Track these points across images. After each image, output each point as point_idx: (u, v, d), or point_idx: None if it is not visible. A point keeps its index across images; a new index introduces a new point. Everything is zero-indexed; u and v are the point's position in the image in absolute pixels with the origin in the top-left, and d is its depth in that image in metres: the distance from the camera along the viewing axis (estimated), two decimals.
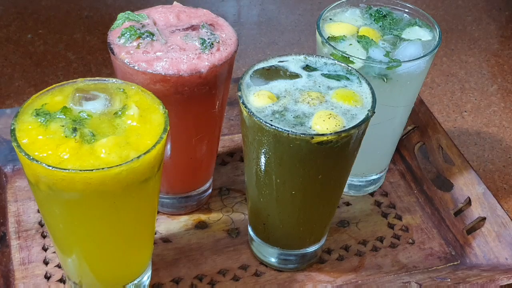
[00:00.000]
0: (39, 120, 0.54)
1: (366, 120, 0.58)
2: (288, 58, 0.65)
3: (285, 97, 0.60)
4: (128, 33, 0.65)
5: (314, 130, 0.56)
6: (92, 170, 0.49)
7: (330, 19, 0.75)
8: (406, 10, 0.76)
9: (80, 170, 0.49)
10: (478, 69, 1.15)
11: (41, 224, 0.74)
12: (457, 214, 0.78)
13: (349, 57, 0.66)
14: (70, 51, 1.12)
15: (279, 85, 0.62)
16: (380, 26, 0.73)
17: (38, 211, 0.75)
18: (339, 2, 0.77)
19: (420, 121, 0.88)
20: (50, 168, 0.49)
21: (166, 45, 0.64)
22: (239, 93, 0.60)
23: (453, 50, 1.20)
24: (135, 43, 0.64)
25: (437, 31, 0.72)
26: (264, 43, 1.19)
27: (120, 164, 0.50)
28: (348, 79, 0.63)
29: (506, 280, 0.66)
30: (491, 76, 1.13)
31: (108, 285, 0.65)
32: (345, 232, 0.76)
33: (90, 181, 0.50)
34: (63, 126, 0.54)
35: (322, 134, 0.55)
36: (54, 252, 0.71)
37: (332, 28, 0.73)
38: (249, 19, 1.27)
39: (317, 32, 0.72)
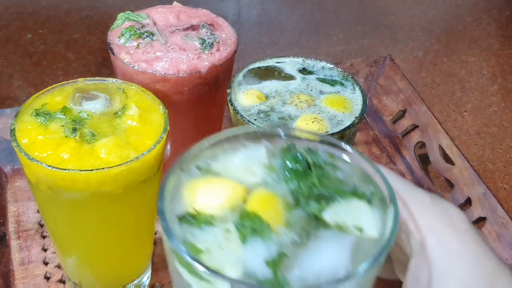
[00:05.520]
0: (39, 120, 0.54)
1: (346, 129, 0.54)
2: (286, 59, 0.65)
3: (274, 97, 0.60)
4: (128, 33, 0.64)
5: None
6: (92, 170, 0.49)
7: (199, 168, 0.40)
8: (353, 160, 0.40)
9: (80, 170, 0.49)
10: (478, 69, 1.14)
11: (41, 224, 0.74)
12: None
13: (195, 269, 0.33)
14: (70, 51, 1.12)
15: (270, 85, 0.61)
16: (292, 191, 0.38)
17: (38, 211, 0.75)
18: (226, 135, 0.41)
19: (420, 121, 0.88)
20: (50, 168, 0.49)
21: (166, 45, 0.64)
22: (228, 90, 0.60)
23: (453, 50, 1.19)
24: (135, 43, 0.64)
25: (393, 213, 0.36)
26: (264, 43, 1.18)
27: (120, 164, 0.50)
28: (342, 84, 0.62)
29: None
30: (491, 76, 1.13)
31: (108, 285, 0.65)
32: None
33: (90, 181, 0.50)
34: (63, 126, 0.54)
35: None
36: (54, 253, 0.71)
37: (199, 192, 0.38)
38: (249, 19, 1.27)
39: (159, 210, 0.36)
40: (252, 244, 0.35)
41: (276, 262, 0.34)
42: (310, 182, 0.38)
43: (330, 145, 0.40)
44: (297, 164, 0.39)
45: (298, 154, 0.40)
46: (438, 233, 0.38)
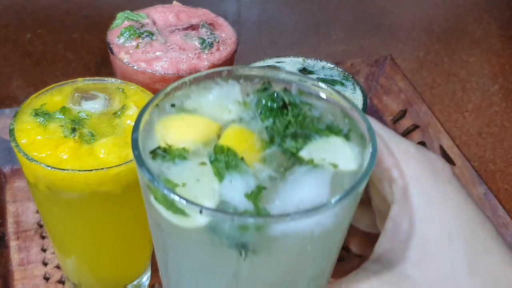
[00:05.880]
0: (38, 120, 0.54)
1: None
2: (286, 59, 0.65)
3: None
4: (127, 32, 0.64)
5: None
6: (91, 170, 0.49)
7: (173, 105, 0.40)
8: (327, 99, 0.40)
9: (79, 171, 0.49)
10: (479, 69, 1.14)
11: (40, 225, 0.74)
12: None
13: (174, 203, 0.33)
14: (69, 50, 1.12)
15: None
16: (267, 128, 0.38)
17: (37, 212, 0.75)
18: (204, 73, 0.41)
19: (421, 121, 0.87)
20: (49, 168, 0.49)
21: (165, 44, 0.64)
22: None
23: (454, 50, 1.19)
24: (134, 43, 0.64)
25: (371, 150, 0.36)
26: (264, 43, 1.18)
27: (119, 164, 0.50)
28: (343, 84, 0.62)
29: None
30: (493, 76, 1.13)
31: (107, 285, 0.64)
32: None
33: (89, 181, 0.50)
34: (62, 126, 0.53)
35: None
36: (53, 253, 0.71)
37: (171, 127, 0.39)
38: (249, 19, 1.27)
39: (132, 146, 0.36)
40: (228, 178, 0.34)
41: (255, 194, 0.34)
42: (286, 120, 0.38)
43: (308, 84, 0.40)
44: (273, 103, 0.39)
45: (275, 93, 0.39)
46: (422, 181, 0.38)
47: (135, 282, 0.65)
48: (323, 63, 0.64)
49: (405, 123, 0.89)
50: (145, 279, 0.67)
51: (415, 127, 0.88)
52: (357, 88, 0.61)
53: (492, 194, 0.75)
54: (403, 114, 0.91)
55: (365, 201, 0.45)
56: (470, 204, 0.38)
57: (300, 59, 0.65)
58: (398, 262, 0.38)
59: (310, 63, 0.64)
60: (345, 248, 0.74)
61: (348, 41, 1.19)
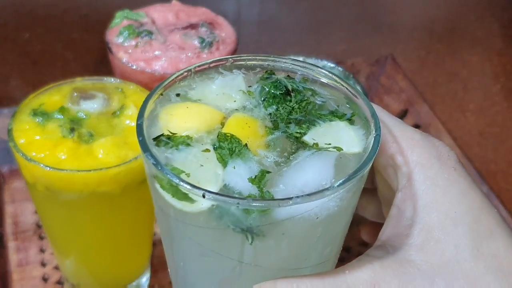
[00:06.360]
0: (37, 120, 0.54)
1: None
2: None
3: None
4: (126, 31, 0.64)
5: None
6: (90, 170, 0.49)
7: (178, 94, 0.41)
8: (331, 84, 0.42)
9: (78, 171, 0.49)
10: (481, 68, 1.14)
11: (38, 225, 0.74)
12: None
13: (178, 185, 0.33)
14: (68, 50, 1.11)
15: None
16: (270, 114, 0.39)
17: (36, 212, 0.75)
18: (209, 61, 0.43)
19: (422, 121, 0.87)
20: (48, 168, 0.49)
21: (165, 44, 0.63)
22: None
23: (455, 50, 1.19)
24: (133, 42, 0.63)
25: (374, 134, 0.37)
26: (264, 42, 1.18)
27: (118, 165, 0.50)
28: None
29: None
30: (494, 75, 1.12)
31: (106, 286, 0.64)
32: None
33: (88, 181, 0.50)
34: (60, 126, 0.53)
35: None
36: (52, 254, 0.70)
37: (175, 115, 0.39)
38: (249, 18, 1.27)
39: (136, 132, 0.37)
40: (231, 164, 0.35)
41: (259, 179, 0.34)
42: (289, 106, 0.39)
43: (311, 71, 0.42)
44: (276, 90, 0.39)
45: (277, 80, 0.40)
46: (426, 168, 0.38)
47: (134, 283, 0.65)
48: (324, 63, 0.64)
49: (406, 122, 0.89)
50: (145, 280, 0.66)
51: (416, 127, 0.88)
52: (358, 87, 0.61)
53: (494, 195, 0.75)
54: (404, 114, 0.90)
55: (371, 190, 0.45)
56: (474, 189, 0.38)
57: (301, 59, 0.64)
58: (401, 248, 0.37)
59: (311, 62, 0.64)
60: (345, 249, 0.74)
61: (349, 40, 1.19)
